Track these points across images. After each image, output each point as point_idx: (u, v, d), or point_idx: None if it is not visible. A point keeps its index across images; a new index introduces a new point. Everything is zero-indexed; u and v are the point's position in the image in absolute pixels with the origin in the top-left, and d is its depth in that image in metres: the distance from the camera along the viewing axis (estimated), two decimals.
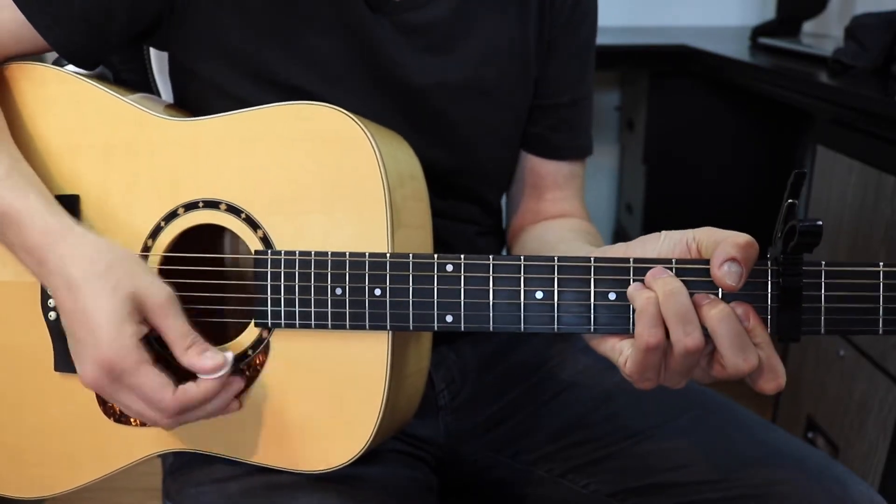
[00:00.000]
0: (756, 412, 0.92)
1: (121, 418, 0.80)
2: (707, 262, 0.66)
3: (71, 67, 0.84)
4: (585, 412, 0.92)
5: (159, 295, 0.69)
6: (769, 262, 0.66)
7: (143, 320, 0.70)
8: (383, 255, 0.71)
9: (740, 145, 2.38)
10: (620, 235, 2.79)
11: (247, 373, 0.76)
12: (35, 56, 0.83)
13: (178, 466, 0.86)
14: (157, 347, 0.74)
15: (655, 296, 0.65)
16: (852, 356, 1.48)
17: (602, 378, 0.94)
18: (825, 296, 0.65)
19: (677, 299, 0.64)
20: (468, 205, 0.94)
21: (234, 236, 0.76)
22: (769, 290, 0.65)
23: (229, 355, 0.71)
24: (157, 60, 0.95)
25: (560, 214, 0.98)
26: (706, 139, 2.38)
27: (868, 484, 0.83)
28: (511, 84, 0.91)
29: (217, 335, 0.78)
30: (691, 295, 0.65)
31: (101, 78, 0.84)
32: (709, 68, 2.12)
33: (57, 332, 0.80)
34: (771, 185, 2.36)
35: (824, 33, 2.31)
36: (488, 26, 0.88)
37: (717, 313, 0.64)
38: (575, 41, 0.94)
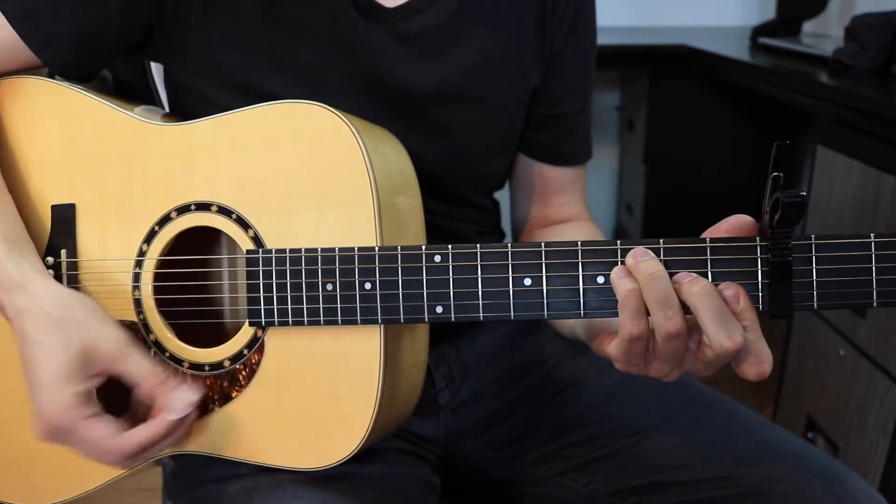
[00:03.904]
0: (756, 411, 0.92)
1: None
2: (695, 240, 0.65)
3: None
4: (585, 411, 0.92)
5: (110, 341, 0.70)
6: (758, 238, 0.65)
7: (97, 373, 0.70)
8: (372, 248, 0.71)
9: (740, 145, 2.38)
10: (620, 235, 2.79)
11: (243, 372, 0.76)
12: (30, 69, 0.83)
13: (179, 468, 0.86)
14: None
15: (637, 288, 0.64)
16: (852, 356, 1.48)
17: (602, 377, 0.94)
18: (816, 269, 0.64)
19: (658, 284, 0.63)
20: (463, 207, 0.94)
21: (230, 237, 0.77)
22: (759, 266, 0.64)
23: (194, 396, 0.71)
24: (156, 63, 0.95)
25: (567, 219, 1.00)
26: (706, 139, 2.38)
27: (868, 482, 0.83)
28: (505, 92, 0.90)
29: (213, 336, 0.79)
30: (673, 275, 0.64)
31: (95, 86, 0.84)
32: (709, 68, 2.12)
33: None
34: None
35: (824, 33, 2.31)
36: (483, 34, 0.87)
37: (698, 290, 0.63)
38: (579, 51, 0.94)
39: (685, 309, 0.64)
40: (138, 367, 0.70)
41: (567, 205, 1.00)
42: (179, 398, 0.69)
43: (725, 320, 0.63)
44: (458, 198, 0.92)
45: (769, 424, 0.90)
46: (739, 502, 0.82)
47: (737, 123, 2.37)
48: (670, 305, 0.63)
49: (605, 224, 2.89)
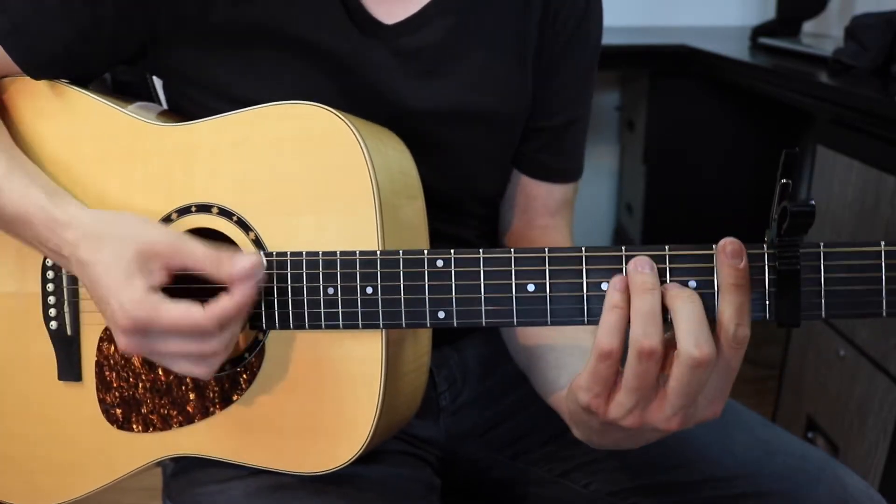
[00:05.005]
0: (756, 411, 0.92)
1: (123, 425, 0.80)
2: (700, 247, 0.64)
3: None
4: None
5: (161, 239, 0.70)
6: (765, 247, 0.63)
7: (159, 268, 0.70)
8: (373, 252, 0.71)
9: (740, 145, 2.38)
10: (620, 235, 2.79)
11: (244, 376, 0.76)
12: None
13: (180, 469, 0.86)
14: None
15: (625, 308, 0.63)
16: (852, 356, 1.48)
17: None
18: (825, 278, 0.62)
19: (647, 298, 0.62)
20: (466, 217, 0.93)
21: (231, 240, 0.76)
22: (766, 275, 0.63)
23: (254, 258, 0.70)
24: None
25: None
26: (706, 139, 2.38)
27: (868, 482, 0.83)
28: (507, 108, 0.88)
29: None
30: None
31: (94, 85, 0.84)
32: (709, 68, 2.12)
33: (59, 340, 0.81)
34: (771, 186, 2.35)
35: (824, 33, 2.31)
36: (484, 49, 0.85)
37: (683, 295, 0.62)
38: (576, 62, 0.91)
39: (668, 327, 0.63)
40: (193, 256, 0.70)
41: (551, 230, 0.96)
42: (240, 263, 0.69)
43: (698, 328, 0.61)
44: (458, 208, 0.91)
45: (769, 424, 0.90)
46: (739, 502, 0.82)
47: (737, 123, 2.37)
48: (652, 323, 0.61)
49: (605, 224, 2.89)
